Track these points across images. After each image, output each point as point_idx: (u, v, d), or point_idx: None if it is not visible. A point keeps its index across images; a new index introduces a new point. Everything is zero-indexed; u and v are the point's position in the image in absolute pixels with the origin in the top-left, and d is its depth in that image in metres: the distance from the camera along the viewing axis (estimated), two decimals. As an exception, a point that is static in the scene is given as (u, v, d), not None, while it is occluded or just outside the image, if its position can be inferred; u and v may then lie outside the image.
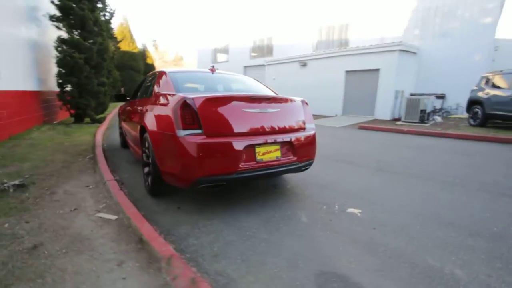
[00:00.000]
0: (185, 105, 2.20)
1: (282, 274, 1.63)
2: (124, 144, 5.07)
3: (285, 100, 2.71)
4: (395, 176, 3.66)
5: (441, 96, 13.06)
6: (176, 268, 1.49)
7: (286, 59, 15.35)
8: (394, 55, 11.42)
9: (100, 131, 6.71)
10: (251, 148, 2.33)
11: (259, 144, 2.38)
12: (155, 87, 2.99)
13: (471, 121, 8.17)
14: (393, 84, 11.53)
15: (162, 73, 3.10)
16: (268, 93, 3.16)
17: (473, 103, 8.10)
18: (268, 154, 2.44)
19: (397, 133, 7.87)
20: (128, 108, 4.02)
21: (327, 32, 16.47)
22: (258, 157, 2.38)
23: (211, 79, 3.27)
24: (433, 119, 10.34)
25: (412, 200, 2.82)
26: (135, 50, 23.06)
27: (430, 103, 10.26)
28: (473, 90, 8.42)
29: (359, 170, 3.96)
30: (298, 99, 2.88)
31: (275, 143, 2.48)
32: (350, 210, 2.56)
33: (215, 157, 2.20)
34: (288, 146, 2.59)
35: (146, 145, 2.76)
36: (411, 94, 12.30)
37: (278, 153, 2.51)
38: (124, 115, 4.45)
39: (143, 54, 25.06)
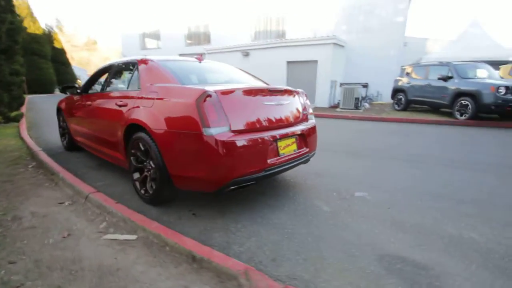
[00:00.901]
0: (209, 100, 1.95)
1: (348, 266, 1.66)
2: (71, 146, 4.21)
3: (294, 92, 2.68)
4: (371, 159, 4.07)
5: (365, 85, 14.98)
6: (258, 281, 1.35)
7: (227, 48, 15.05)
8: (329, 48, 12.46)
9: (24, 133, 5.38)
10: (274, 142, 2.25)
11: (280, 138, 2.31)
12: (143, 78, 2.53)
13: (396, 106, 9.67)
14: (329, 75, 12.64)
15: (146, 62, 2.65)
16: (262, 84, 3.05)
17: (397, 91, 9.57)
18: (287, 147, 2.40)
19: (343, 119, 8.75)
20: (87, 103, 3.32)
21: (265, 23, 16.76)
22: (280, 152, 2.31)
23: (203, 69, 2.95)
24: (363, 106, 11.86)
25: (398, 179, 3.21)
26: (38, 32, 18.90)
27: (361, 92, 11.69)
28: (396, 80, 9.92)
29: (338, 156, 4.26)
30: (300, 90, 2.88)
31: (292, 135, 2.44)
32: (358, 194, 2.76)
33: (247, 155, 2.04)
34: (301, 138, 2.59)
35: (141, 147, 2.35)
36: (341, 84, 13.74)
37: (294, 146, 2.49)
38: (78, 113, 3.66)
39: (49, 37, 20.84)
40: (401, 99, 9.35)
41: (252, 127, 2.14)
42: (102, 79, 3.62)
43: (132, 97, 2.53)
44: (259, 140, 2.11)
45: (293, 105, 2.62)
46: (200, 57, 3.15)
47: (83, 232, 1.92)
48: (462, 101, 6.94)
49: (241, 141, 1.99)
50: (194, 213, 2.31)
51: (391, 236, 1.99)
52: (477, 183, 3.06)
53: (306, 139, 2.65)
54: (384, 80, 14.30)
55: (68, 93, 3.83)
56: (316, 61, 12.70)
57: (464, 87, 6.96)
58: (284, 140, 2.35)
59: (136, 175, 2.57)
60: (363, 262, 1.69)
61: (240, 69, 3.47)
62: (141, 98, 2.40)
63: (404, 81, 9.29)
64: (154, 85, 2.36)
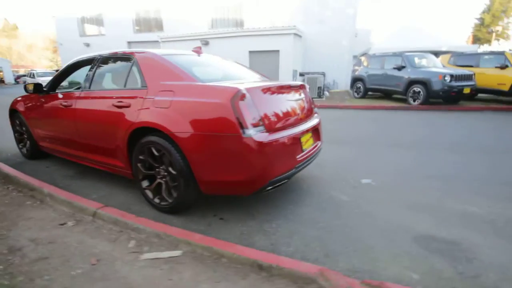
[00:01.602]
0: (244, 99, 1.84)
1: (395, 251, 1.78)
2: (34, 153, 3.61)
3: (304, 87, 2.68)
4: (357, 146, 4.34)
5: (322, 74, 15.76)
6: (337, 281, 1.37)
7: (184, 36, 14.22)
8: (290, 38, 12.68)
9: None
10: (299, 138, 2.25)
11: (303, 134, 2.32)
12: (148, 75, 2.26)
13: (355, 94, 10.39)
14: (291, 64, 12.92)
15: (148, 56, 2.37)
16: (266, 78, 2.99)
17: (356, 80, 10.27)
18: (307, 142, 2.42)
19: (311, 108, 9.12)
20: (62, 104, 2.84)
21: (222, 11, 16.22)
22: (303, 147, 2.32)
23: (209, 63, 2.75)
24: (325, 94, 12.48)
25: (390, 164, 3.50)
26: None
27: (322, 81, 12.26)
28: (354, 70, 10.62)
29: (326, 145, 4.43)
30: (304, 84, 2.89)
31: (309, 130, 2.47)
32: (364, 181, 2.94)
33: (283, 154, 2.01)
34: (315, 132, 2.63)
35: (154, 152, 2.13)
36: (300, 74, 14.20)
37: (311, 140, 2.52)
38: (46, 115, 3.12)
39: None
40: (360, 87, 10.07)
41: (281, 125, 2.10)
42: (77, 75, 3.15)
43: (136, 97, 2.24)
44: (291, 138, 2.09)
45: (305, 99, 2.63)
46: (199, 49, 2.93)
47: (112, 255, 1.68)
48: (415, 88, 7.78)
49: (277, 140, 1.94)
50: (222, 217, 2.21)
51: (413, 218, 2.18)
52: (453, 162, 3.50)
53: (318, 132, 2.70)
54: (339, 69, 15.22)
55: (28, 91, 3.22)
56: (278, 51, 12.83)
57: (416, 76, 7.80)
58: (305, 135, 2.37)
59: (146, 183, 2.33)
60: (405, 246, 1.83)
61: (239, 63, 3.33)
62: (151, 98, 2.14)
63: (362, 71, 10.00)
64: (167, 83, 2.12)
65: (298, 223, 2.11)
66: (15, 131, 3.87)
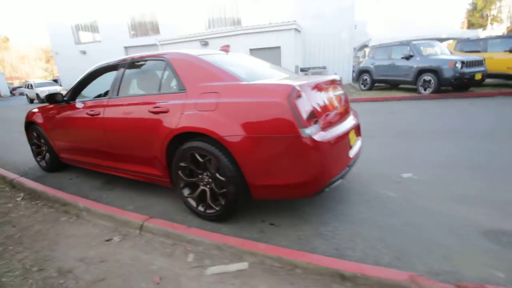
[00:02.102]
0: (301, 96, 1.73)
1: (469, 248, 1.68)
2: (54, 166, 3.49)
3: (340, 81, 2.57)
4: (384, 140, 4.24)
5: (323, 68, 15.63)
6: (431, 287, 1.27)
7: (183, 38, 14.05)
8: (291, 33, 12.55)
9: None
10: (348, 135, 2.14)
11: (350, 130, 2.21)
12: (185, 77, 2.14)
13: (362, 87, 10.29)
14: (293, 60, 12.79)
15: (183, 57, 2.24)
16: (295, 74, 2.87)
17: (362, 72, 10.15)
18: (353, 139, 2.32)
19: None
20: (88, 113, 2.71)
21: (219, 10, 16.03)
22: (351, 144, 2.22)
23: (242, 62, 2.63)
24: (328, 88, 12.39)
25: (425, 154, 3.40)
26: None
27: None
28: (359, 62, 10.50)
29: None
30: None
31: (353, 127, 2.36)
32: (405, 175, 2.84)
33: (340, 153, 1.92)
34: (357, 128, 2.53)
35: (198, 158, 2.02)
36: (302, 69, 14.08)
37: (355, 136, 2.42)
38: (69, 125, 3.00)
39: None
40: (366, 79, 9.96)
41: (332, 122, 2.00)
42: (99, 82, 3.02)
43: (174, 101, 2.12)
44: (343, 135, 1.99)
45: (344, 94, 2.52)
46: (226, 48, 2.81)
47: (174, 271, 1.57)
48: (425, 77, 7.69)
49: (334, 138, 1.84)
50: (272, 223, 2.11)
51: (470, 211, 2.09)
52: (486, 151, 3.41)
53: (359, 127, 2.60)
54: (340, 62, 15.10)
55: (49, 102, 3.09)
56: (279, 47, 12.70)
57: (426, 64, 7.70)
58: (351, 132, 2.26)
59: (187, 191, 2.22)
60: (476, 242, 1.73)
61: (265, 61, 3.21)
62: (193, 101, 2.02)
63: (367, 62, 9.89)
64: (209, 84, 2.01)
65: (355, 224, 2.01)
66: (32, 144, 3.73)
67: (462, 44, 9.02)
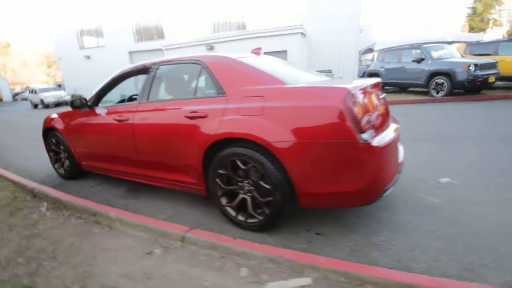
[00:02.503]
0: (356, 100, 1.64)
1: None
2: (74, 173, 3.40)
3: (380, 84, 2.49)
4: (409, 143, 4.13)
5: (329, 72, 15.61)
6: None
7: (188, 43, 14.04)
8: (297, 37, 12.54)
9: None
10: (397, 140, 2.05)
11: (397, 135, 2.12)
12: (225, 81, 2.05)
13: (370, 90, 10.22)
14: (299, 64, 12.76)
15: (220, 60, 2.16)
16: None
17: (371, 75, 10.10)
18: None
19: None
20: (114, 119, 2.62)
21: (223, 14, 16.07)
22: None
23: (276, 65, 2.54)
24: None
25: (455, 158, 3.30)
26: None
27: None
28: (368, 65, 10.47)
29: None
30: None
31: (397, 131, 2.27)
32: (443, 180, 2.73)
33: (392, 158, 1.83)
34: (398, 132, 2.43)
35: (239, 165, 1.92)
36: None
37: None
38: (93, 131, 2.91)
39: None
40: (375, 82, 9.89)
41: (382, 126, 1.91)
42: (123, 86, 2.94)
43: (213, 106, 2.03)
44: (395, 140, 1.90)
45: (385, 98, 2.43)
46: (258, 51, 2.73)
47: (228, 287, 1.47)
48: (438, 80, 7.62)
49: (388, 143, 1.74)
50: (318, 232, 2.00)
51: (526, 216, 1.99)
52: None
53: (398, 131, 2.50)
54: (345, 66, 15.08)
55: (74, 107, 2.99)
56: (285, 51, 12.66)
57: (438, 67, 7.64)
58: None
59: (226, 200, 2.12)
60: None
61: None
62: (235, 105, 1.93)
63: (376, 66, 9.85)
64: (252, 88, 1.92)
65: (408, 234, 1.90)
66: (50, 151, 3.64)
67: (473, 47, 8.99)
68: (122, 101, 3.32)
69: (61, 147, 3.42)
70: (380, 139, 1.71)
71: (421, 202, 2.33)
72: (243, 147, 1.90)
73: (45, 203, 2.76)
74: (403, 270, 1.53)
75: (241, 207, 2.07)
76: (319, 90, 1.74)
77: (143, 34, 17.95)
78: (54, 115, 3.48)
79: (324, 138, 1.64)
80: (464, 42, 10.63)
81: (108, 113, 2.78)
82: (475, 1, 39.68)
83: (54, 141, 3.49)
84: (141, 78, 2.65)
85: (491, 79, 7.18)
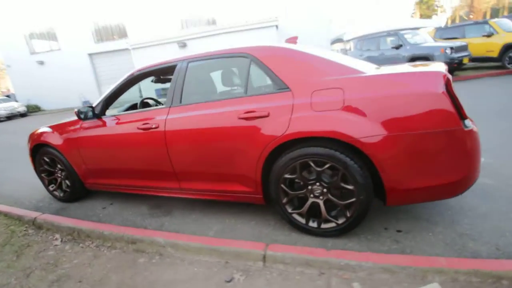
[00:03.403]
0: (451, 85, 1.51)
1: None
2: (76, 195, 2.93)
3: None
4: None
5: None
6: None
7: (158, 40, 13.18)
8: (272, 30, 12.42)
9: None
10: None
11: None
12: (285, 73, 1.80)
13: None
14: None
15: (277, 52, 1.90)
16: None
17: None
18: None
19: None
20: (145, 127, 2.22)
21: (192, 10, 15.35)
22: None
23: (323, 54, 2.32)
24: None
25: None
26: None
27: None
28: (345, 54, 10.66)
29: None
30: None
31: None
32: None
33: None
34: None
35: (314, 167, 1.72)
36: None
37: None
38: (105, 144, 2.47)
39: None
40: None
41: None
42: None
43: (275, 103, 1.78)
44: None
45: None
46: (294, 40, 2.51)
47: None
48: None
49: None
50: (398, 229, 1.87)
51: None
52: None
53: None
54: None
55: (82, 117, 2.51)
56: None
57: (417, 52, 8.00)
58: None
59: (291, 206, 1.90)
60: None
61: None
62: (305, 100, 1.70)
63: (355, 54, 10.07)
64: (327, 79, 1.69)
65: (486, 219, 1.84)
66: (40, 171, 3.08)
67: (441, 31, 9.57)
68: (133, 107, 2.89)
69: (58, 166, 2.91)
70: (475, 126, 1.61)
71: (476, 184, 2.30)
72: (318, 146, 1.69)
73: (57, 235, 2.30)
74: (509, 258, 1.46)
75: (311, 212, 1.86)
76: (411, 76, 1.58)
77: (104, 34, 16.54)
78: (45, 129, 2.94)
79: (425, 128, 1.49)
80: (423, 27, 11.28)
81: (124, 122, 2.38)
82: (422, -10, 42.98)
83: (47, 159, 2.95)
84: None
85: (465, 60, 7.69)
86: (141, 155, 2.32)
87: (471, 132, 1.49)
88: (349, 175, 1.64)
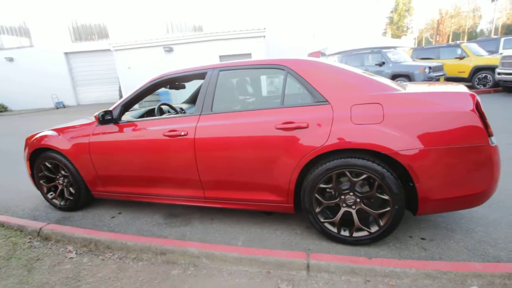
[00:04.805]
0: (479, 104, 1.68)
1: None
2: (81, 203, 2.77)
3: None
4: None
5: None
6: None
7: (143, 43, 12.86)
8: (260, 40, 12.63)
9: None
10: None
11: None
12: (323, 87, 1.88)
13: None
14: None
15: (314, 66, 1.97)
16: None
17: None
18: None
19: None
20: (173, 134, 2.17)
21: (179, 15, 15.23)
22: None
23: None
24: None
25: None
26: None
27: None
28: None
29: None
30: None
31: None
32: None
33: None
34: None
35: (351, 178, 1.80)
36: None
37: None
38: (122, 151, 2.37)
39: None
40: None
41: None
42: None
43: (314, 115, 1.85)
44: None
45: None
46: (318, 54, 2.61)
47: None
48: (399, 82, 8.54)
49: (495, 144, 1.83)
50: (422, 237, 1.99)
51: None
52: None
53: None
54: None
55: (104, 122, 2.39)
56: (249, 54, 12.63)
57: (399, 70, 8.58)
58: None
59: (323, 216, 1.96)
60: None
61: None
62: (344, 113, 1.79)
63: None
64: (368, 95, 1.79)
65: (497, 226, 2.03)
66: (38, 178, 2.86)
67: (418, 51, 10.36)
68: (149, 113, 2.81)
69: (62, 172, 2.73)
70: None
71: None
72: (356, 157, 1.77)
73: (69, 247, 2.15)
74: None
75: (344, 222, 1.93)
76: (445, 96, 1.72)
77: (83, 33, 15.81)
78: (48, 132, 2.75)
79: (457, 142, 1.63)
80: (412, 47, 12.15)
81: (146, 128, 2.31)
82: (391, 12, 46.31)
83: (48, 165, 2.76)
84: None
85: (441, 79, 8.37)
86: (165, 163, 2.26)
87: (495, 148, 1.66)
88: (385, 185, 1.74)
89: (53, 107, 15.69)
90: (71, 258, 2.03)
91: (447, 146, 1.64)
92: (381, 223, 1.83)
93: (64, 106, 15.93)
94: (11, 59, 15.60)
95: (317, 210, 1.95)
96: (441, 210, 1.86)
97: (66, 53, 15.86)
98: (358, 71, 2.04)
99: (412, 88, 1.99)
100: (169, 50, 12.81)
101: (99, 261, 1.98)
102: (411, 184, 1.74)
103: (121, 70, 13.19)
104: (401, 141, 1.68)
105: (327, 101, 1.86)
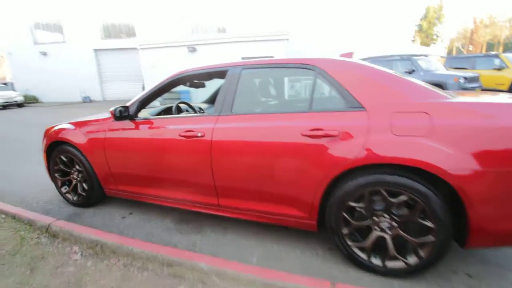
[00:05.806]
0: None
1: None
2: (93, 199, 2.68)
3: None
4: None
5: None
6: None
7: (167, 43, 13.08)
8: (283, 43, 12.47)
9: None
10: None
11: None
12: (359, 92, 1.65)
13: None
14: (286, 70, 12.67)
15: (354, 68, 1.77)
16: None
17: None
18: None
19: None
20: (189, 135, 2.01)
21: (203, 17, 15.41)
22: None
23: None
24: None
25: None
26: None
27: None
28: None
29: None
30: None
31: None
32: None
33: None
34: None
35: (388, 199, 1.55)
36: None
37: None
38: (140, 149, 2.25)
39: None
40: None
41: None
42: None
43: (346, 122, 1.62)
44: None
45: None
46: (350, 55, 2.38)
47: None
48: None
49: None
50: (467, 273, 1.70)
51: None
52: None
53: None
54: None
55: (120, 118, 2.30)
56: (272, 57, 12.46)
57: (431, 79, 8.03)
58: None
59: (351, 239, 1.72)
60: None
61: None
62: (383, 122, 1.55)
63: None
64: (410, 102, 1.55)
65: None
66: (54, 171, 2.82)
67: (451, 60, 9.74)
68: (166, 111, 2.69)
69: (76, 166, 2.66)
70: None
71: None
72: (393, 174, 1.52)
73: (75, 248, 2.04)
74: None
75: (375, 247, 1.68)
76: (506, 108, 1.44)
77: (112, 31, 16.37)
78: (66, 125, 2.71)
79: None
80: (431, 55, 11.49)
81: (162, 127, 2.18)
82: (421, 19, 44.65)
83: (64, 158, 2.70)
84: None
85: (478, 91, 7.76)
86: (179, 165, 2.11)
87: None
88: (429, 210, 1.48)
89: (80, 101, 16.33)
90: (75, 260, 1.92)
91: (507, 168, 1.36)
92: (422, 254, 1.56)
93: (90, 101, 16.53)
94: (44, 53, 16.43)
95: (345, 231, 1.71)
96: (496, 244, 1.56)
97: (95, 50, 16.48)
98: (400, 74, 1.79)
99: (463, 97, 1.72)
100: (193, 50, 12.93)
101: (103, 266, 1.85)
102: (461, 211, 1.47)
103: (146, 68, 13.47)
104: (452, 159, 1.41)
105: (362, 107, 1.62)
